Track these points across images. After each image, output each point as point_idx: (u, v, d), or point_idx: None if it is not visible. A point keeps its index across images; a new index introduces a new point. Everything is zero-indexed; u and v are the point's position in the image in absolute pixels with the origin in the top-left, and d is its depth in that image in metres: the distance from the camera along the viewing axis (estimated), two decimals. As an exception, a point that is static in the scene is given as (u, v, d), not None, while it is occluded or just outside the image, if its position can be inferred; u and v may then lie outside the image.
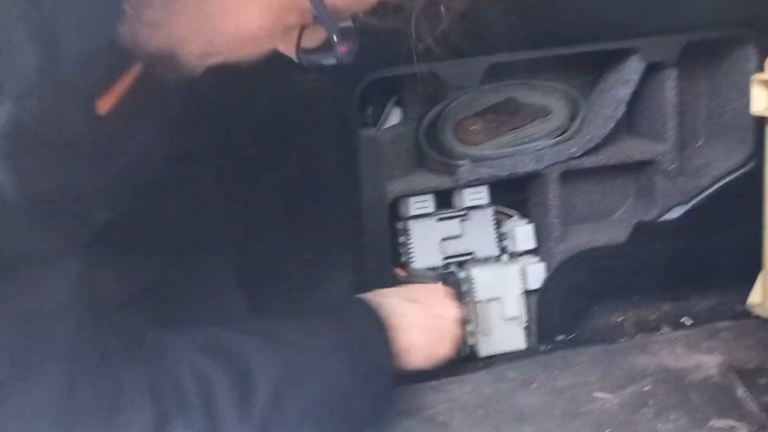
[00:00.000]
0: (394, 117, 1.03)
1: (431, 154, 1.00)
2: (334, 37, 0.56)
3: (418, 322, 0.79)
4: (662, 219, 1.06)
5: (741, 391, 0.74)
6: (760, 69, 0.94)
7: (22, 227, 0.50)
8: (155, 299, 0.70)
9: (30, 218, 0.50)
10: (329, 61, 0.59)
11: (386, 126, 1.02)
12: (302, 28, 0.57)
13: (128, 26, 0.52)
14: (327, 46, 0.58)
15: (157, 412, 0.55)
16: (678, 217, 1.06)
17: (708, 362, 0.89)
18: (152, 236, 0.77)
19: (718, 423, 0.77)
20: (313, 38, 0.58)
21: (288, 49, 0.58)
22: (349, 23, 0.59)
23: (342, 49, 0.57)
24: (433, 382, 0.91)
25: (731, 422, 0.77)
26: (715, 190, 1.06)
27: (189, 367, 0.59)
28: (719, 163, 1.06)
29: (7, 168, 0.47)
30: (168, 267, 0.78)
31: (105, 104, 0.57)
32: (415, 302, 0.81)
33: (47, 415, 0.51)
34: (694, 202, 1.06)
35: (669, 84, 1.02)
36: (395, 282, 1.00)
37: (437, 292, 0.86)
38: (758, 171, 1.00)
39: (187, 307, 0.75)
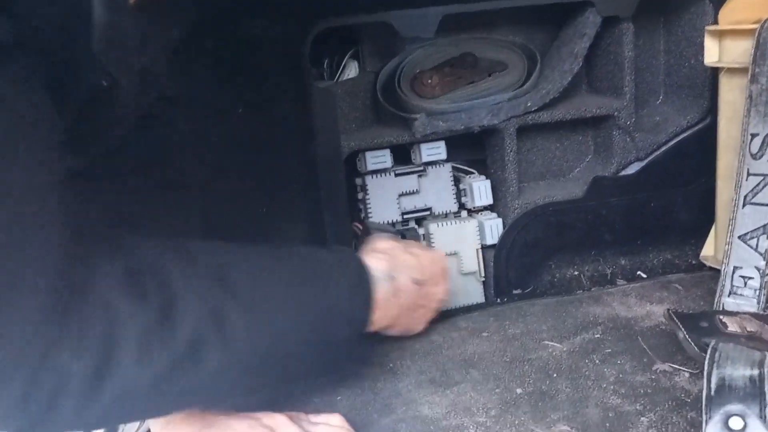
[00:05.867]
0: (351, 70, 1.02)
1: (387, 108, 1.00)
2: None
3: (411, 307, 0.80)
4: (619, 174, 1.07)
5: (681, 335, 0.75)
6: (716, 23, 0.95)
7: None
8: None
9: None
10: None
11: (343, 79, 1.01)
12: None
13: None
14: None
15: (47, 337, 0.51)
16: (635, 173, 1.07)
17: (658, 311, 0.90)
18: (134, 171, 0.77)
19: (662, 367, 0.78)
20: None
21: None
22: None
23: None
24: (387, 333, 0.92)
25: (675, 365, 0.78)
26: (671, 146, 1.06)
27: (102, 298, 0.54)
28: (676, 120, 1.07)
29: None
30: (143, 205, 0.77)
31: None
32: (419, 285, 0.80)
33: None
34: (650, 158, 1.07)
35: (626, 39, 1.02)
36: (352, 236, 1.00)
37: (440, 266, 0.84)
38: (712, 127, 1.01)
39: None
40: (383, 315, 0.75)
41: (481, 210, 1.07)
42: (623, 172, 1.07)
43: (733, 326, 0.76)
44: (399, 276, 0.77)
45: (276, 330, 0.63)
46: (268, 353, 0.63)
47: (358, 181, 1.04)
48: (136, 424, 0.81)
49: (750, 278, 0.82)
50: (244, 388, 0.67)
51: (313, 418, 0.69)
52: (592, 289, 1.01)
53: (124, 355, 0.53)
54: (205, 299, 0.58)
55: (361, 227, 1.00)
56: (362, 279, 0.72)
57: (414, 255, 0.81)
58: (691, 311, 0.88)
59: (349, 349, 0.75)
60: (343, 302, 0.69)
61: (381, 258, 0.77)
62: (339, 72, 1.01)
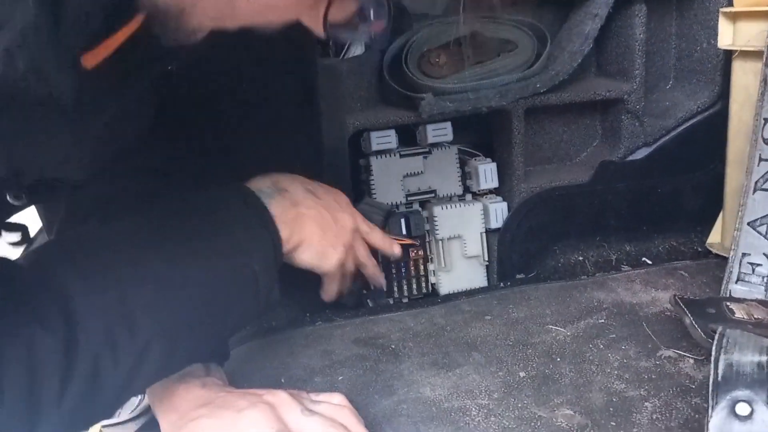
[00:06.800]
0: (357, 47, 1.00)
1: (394, 87, 0.98)
2: (371, 15, 0.50)
3: (317, 219, 0.74)
4: (627, 159, 1.05)
5: (688, 321, 0.74)
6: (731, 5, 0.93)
7: None
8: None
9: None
10: (359, 39, 0.54)
11: (349, 56, 0.99)
12: (330, 1, 0.50)
13: None
14: (355, 22, 0.52)
15: None
16: (642, 158, 1.05)
17: (664, 297, 0.90)
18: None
19: (667, 353, 0.78)
20: (339, 12, 0.51)
21: (312, 22, 0.52)
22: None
23: (375, 28, 0.51)
24: (391, 315, 0.91)
25: (680, 352, 0.77)
26: (680, 131, 1.05)
27: (24, 340, 0.51)
28: (685, 105, 1.05)
29: None
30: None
31: (92, 59, 0.51)
32: (318, 197, 0.76)
33: None
34: (659, 143, 1.05)
35: (638, 21, 1.00)
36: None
37: (339, 196, 0.80)
38: (723, 113, 0.99)
39: None
40: (292, 230, 0.71)
41: (486, 193, 1.06)
42: (631, 157, 1.06)
43: (740, 313, 0.75)
44: (289, 187, 0.74)
45: (193, 292, 0.61)
46: (186, 319, 0.61)
47: (362, 161, 1.03)
48: (135, 400, 0.80)
49: (758, 265, 0.81)
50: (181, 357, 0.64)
51: (315, 396, 0.69)
52: (597, 275, 1.00)
53: (46, 389, 0.51)
54: (106, 308, 0.56)
55: None
56: (256, 208, 0.68)
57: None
58: (697, 298, 0.87)
59: (270, 284, 0.68)
60: (245, 241, 0.66)
61: (263, 177, 0.74)
62: (345, 49, 0.99)
